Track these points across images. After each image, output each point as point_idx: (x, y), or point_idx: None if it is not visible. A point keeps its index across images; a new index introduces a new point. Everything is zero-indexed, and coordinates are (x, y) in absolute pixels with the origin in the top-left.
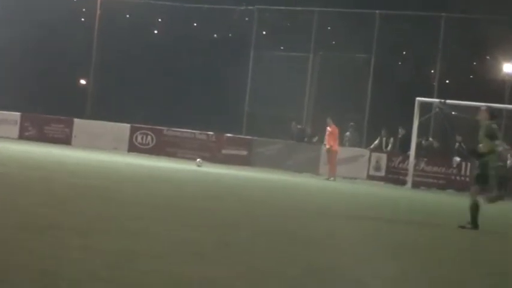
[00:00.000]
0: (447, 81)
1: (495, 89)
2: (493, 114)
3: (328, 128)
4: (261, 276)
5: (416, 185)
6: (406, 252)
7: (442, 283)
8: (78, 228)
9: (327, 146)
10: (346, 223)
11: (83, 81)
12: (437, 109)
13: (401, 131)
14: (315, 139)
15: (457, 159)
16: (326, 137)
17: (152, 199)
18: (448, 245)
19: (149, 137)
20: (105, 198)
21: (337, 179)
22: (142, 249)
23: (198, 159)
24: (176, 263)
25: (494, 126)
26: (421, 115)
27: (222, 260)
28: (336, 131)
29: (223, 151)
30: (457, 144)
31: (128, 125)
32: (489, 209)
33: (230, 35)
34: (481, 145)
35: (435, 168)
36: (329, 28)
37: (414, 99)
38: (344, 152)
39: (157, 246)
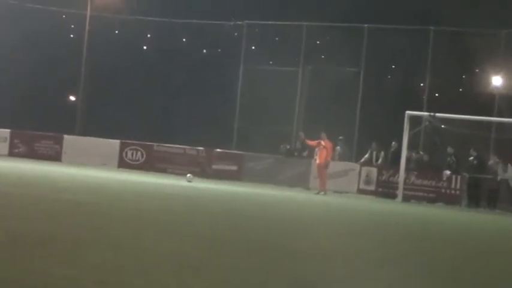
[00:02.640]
0: (436, 95)
1: (484, 102)
2: None
3: (322, 142)
4: None
5: (406, 199)
6: (396, 265)
7: None
8: (68, 244)
9: (317, 161)
10: (336, 237)
11: (72, 98)
12: (427, 122)
13: (394, 145)
14: (305, 153)
15: (447, 172)
16: (317, 150)
17: (142, 215)
18: (439, 257)
19: (139, 153)
20: (95, 213)
21: (327, 193)
22: (132, 264)
23: (189, 175)
24: (165, 277)
25: None
26: (410, 128)
27: (211, 273)
28: (330, 145)
29: (214, 166)
30: (448, 157)
31: (118, 141)
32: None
33: (219, 50)
34: None
35: (425, 182)
36: (318, 42)
37: (404, 113)
38: (334, 166)
39: (147, 261)
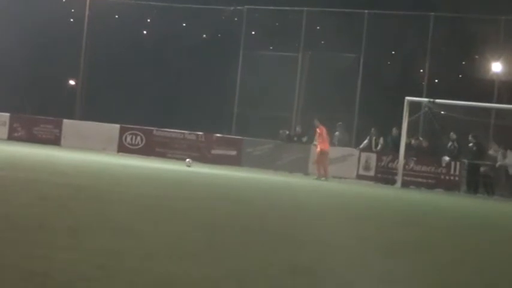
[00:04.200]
0: (436, 81)
1: (484, 88)
2: None
3: (318, 130)
4: (248, 275)
5: (405, 185)
6: (395, 252)
7: (431, 283)
8: (68, 229)
9: (318, 149)
10: (335, 222)
11: (72, 82)
12: (426, 108)
13: (395, 131)
14: (305, 139)
15: (446, 158)
16: (317, 137)
17: (141, 199)
18: (438, 244)
19: (139, 138)
20: (94, 198)
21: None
22: (132, 249)
23: (188, 160)
24: (165, 263)
25: None
26: (410, 114)
27: (210, 259)
28: (324, 130)
29: (213, 151)
30: (450, 143)
31: (118, 126)
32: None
33: (219, 35)
34: None
35: (424, 168)
36: (318, 28)
37: (403, 99)
38: (333, 151)
39: (147, 246)
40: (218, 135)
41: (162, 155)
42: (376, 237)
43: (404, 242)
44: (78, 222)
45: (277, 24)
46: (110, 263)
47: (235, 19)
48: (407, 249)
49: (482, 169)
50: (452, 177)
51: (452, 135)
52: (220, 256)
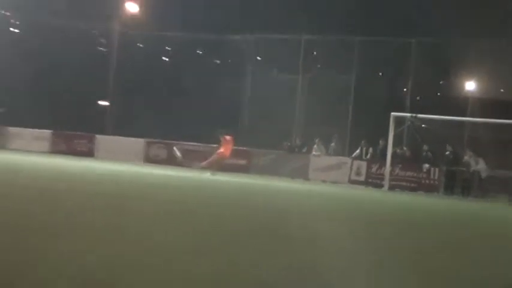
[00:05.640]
0: (418, 98)
1: (459, 104)
2: None
3: (227, 139)
4: (248, 270)
5: (392, 188)
6: (385, 249)
7: (424, 277)
8: (81, 236)
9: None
10: (329, 223)
11: (103, 103)
12: (409, 122)
13: (382, 143)
14: (304, 149)
15: (426, 165)
16: (223, 148)
17: (163, 205)
18: (424, 240)
19: (162, 150)
20: (115, 207)
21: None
22: (144, 254)
23: (175, 148)
24: (185, 259)
25: None
26: (395, 128)
27: (217, 263)
28: (229, 139)
29: (226, 161)
30: (424, 152)
31: (143, 140)
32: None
33: (229, 60)
34: None
35: (408, 173)
36: (315, 53)
37: (389, 114)
38: (329, 160)
39: (159, 251)
40: None
41: (183, 165)
42: (370, 237)
43: (392, 239)
44: (97, 231)
45: (279, 50)
46: (119, 270)
47: (243, 47)
48: (397, 247)
49: (462, 174)
50: (432, 181)
51: (425, 147)
52: (229, 258)
